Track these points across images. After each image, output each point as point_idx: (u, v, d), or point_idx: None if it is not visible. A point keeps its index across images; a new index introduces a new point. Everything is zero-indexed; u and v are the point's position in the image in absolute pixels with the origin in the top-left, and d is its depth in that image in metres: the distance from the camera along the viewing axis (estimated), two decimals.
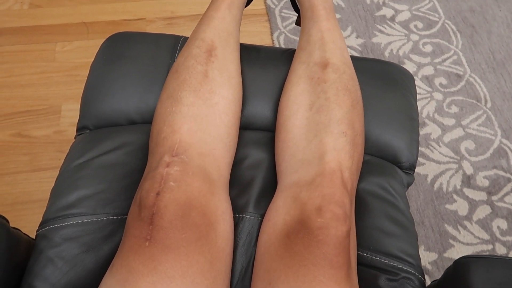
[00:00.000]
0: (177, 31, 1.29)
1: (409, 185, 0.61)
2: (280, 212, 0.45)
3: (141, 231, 0.40)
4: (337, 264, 0.40)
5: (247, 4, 0.68)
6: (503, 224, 0.96)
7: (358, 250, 0.51)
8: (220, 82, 0.51)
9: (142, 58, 0.64)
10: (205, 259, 0.40)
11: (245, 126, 0.61)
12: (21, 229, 0.53)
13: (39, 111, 1.13)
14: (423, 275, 0.51)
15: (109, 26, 1.30)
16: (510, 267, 0.44)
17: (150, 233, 0.39)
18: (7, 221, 0.48)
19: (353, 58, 0.67)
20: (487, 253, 0.93)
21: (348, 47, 1.23)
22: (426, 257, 0.92)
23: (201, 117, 0.48)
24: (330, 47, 0.55)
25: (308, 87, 0.52)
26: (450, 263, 0.93)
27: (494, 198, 0.99)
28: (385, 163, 0.60)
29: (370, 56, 1.22)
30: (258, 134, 0.60)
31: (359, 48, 1.23)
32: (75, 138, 0.63)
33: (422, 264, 0.91)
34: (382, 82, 0.66)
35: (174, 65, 0.54)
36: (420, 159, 1.04)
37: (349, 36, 1.25)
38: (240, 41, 0.70)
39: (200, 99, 0.49)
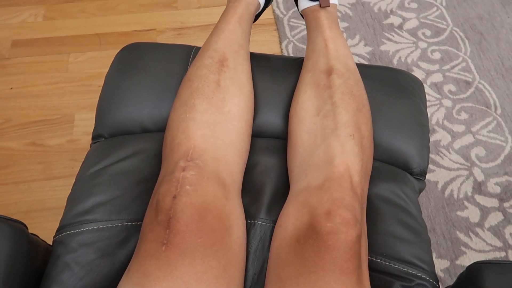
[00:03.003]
0: (187, 41, 1.31)
1: (420, 191, 0.61)
2: (290, 217, 0.46)
3: (157, 235, 0.40)
4: (348, 269, 0.40)
5: (256, 18, 0.70)
6: None
7: (371, 256, 0.51)
8: (232, 91, 0.52)
9: (155, 68, 0.66)
10: (220, 264, 0.41)
11: (257, 134, 0.62)
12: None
13: (53, 121, 1.15)
14: (437, 281, 0.51)
15: (121, 37, 1.32)
16: None
17: (166, 237, 0.40)
18: (26, 227, 0.49)
19: (362, 65, 0.68)
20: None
21: (357, 55, 1.24)
22: (438, 265, 0.91)
23: (214, 124, 0.49)
24: (334, 55, 0.56)
25: (315, 93, 0.53)
26: (462, 271, 0.92)
27: (506, 205, 0.98)
28: (396, 169, 0.60)
29: (379, 64, 1.23)
30: (269, 142, 0.61)
31: (367, 56, 1.24)
32: (90, 146, 0.64)
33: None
34: (392, 89, 0.67)
35: (187, 75, 0.55)
36: (430, 166, 1.04)
37: (357, 44, 1.26)
38: (250, 50, 0.71)
39: (213, 106, 0.50)
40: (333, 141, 0.48)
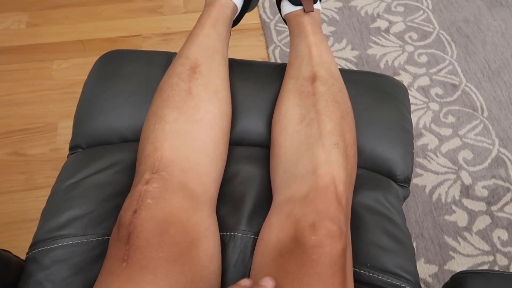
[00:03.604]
0: (173, 46, 1.29)
1: (405, 198, 0.60)
2: (273, 229, 0.45)
3: (118, 252, 0.39)
4: (332, 285, 0.39)
5: (236, 23, 0.69)
6: (504, 235, 0.94)
7: (355, 267, 0.50)
8: (205, 98, 0.51)
9: (135, 76, 0.64)
10: (187, 278, 0.40)
11: (237, 142, 0.61)
12: (16, 248, 0.52)
13: (35, 129, 1.13)
14: None
15: (105, 43, 1.30)
16: (507, 283, 0.43)
17: (127, 253, 0.38)
18: None
19: (346, 71, 0.68)
20: (488, 264, 0.91)
21: (343, 59, 1.24)
22: (426, 270, 0.91)
23: (185, 133, 0.48)
24: (318, 61, 0.55)
25: (298, 101, 0.52)
26: (450, 275, 0.91)
27: (494, 208, 0.98)
28: (379, 176, 0.59)
29: (366, 67, 1.23)
30: (250, 150, 0.60)
31: (355, 60, 1.23)
32: (67, 157, 0.62)
33: (422, 277, 0.90)
34: (376, 95, 0.66)
35: (160, 83, 0.54)
36: (418, 170, 1.04)
37: (344, 48, 1.26)
38: (236, 56, 0.70)
39: (183, 115, 0.49)
40: (317, 150, 0.47)
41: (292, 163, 0.48)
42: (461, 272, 0.46)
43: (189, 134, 0.48)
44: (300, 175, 0.46)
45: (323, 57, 0.56)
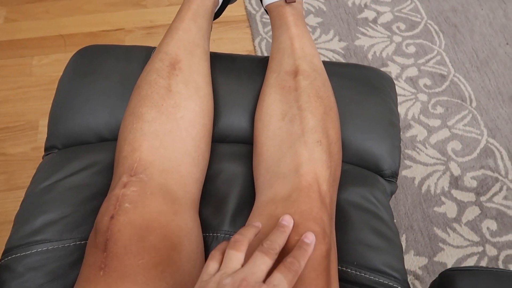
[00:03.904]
0: (157, 40, 1.26)
1: (392, 193, 0.59)
2: None
3: (95, 259, 0.37)
4: (316, 287, 0.37)
5: (218, 15, 0.66)
6: (493, 225, 0.94)
7: (342, 266, 0.49)
8: (185, 95, 0.49)
9: (111, 72, 0.62)
10: (167, 285, 0.38)
11: (220, 139, 0.59)
12: None
13: (16, 128, 1.10)
14: None
15: (87, 38, 1.27)
16: (495, 279, 0.42)
17: (104, 261, 0.36)
18: None
19: (330, 63, 0.66)
20: (478, 255, 0.91)
21: (331, 50, 1.22)
22: (416, 262, 0.90)
23: (164, 133, 0.45)
24: (300, 54, 0.53)
25: (280, 97, 0.50)
26: (440, 268, 0.91)
27: (483, 198, 0.98)
28: (366, 172, 0.58)
29: (353, 59, 1.21)
30: (233, 147, 0.58)
31: (342, 52, 1.21)
32: (43, 158, 0.60)
33: (412, 269, 0.90)
34: (362, 88, 0.64)
35: (138, 81, 0.52)
36: (407, 162, 1.03)
37: (331, 39, 1.24)
38: (222, 49, 0.68)
39: (162, 114, 0.46)
40: (299, 148, 0.45)
41: (274, 162, 0.47)
42: (450, 269, 0.45)
43: (169, 133, 0.46)
44: (282, 174, 0.45)
45: (306, 49, 0.54)
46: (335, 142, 0.48)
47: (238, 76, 0.63)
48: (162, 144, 0.45)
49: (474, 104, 1.12)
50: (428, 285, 0.88)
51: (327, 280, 0.38)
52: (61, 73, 1.19)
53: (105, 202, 0.41)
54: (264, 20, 1.28)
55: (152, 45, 0.70)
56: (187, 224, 0.43)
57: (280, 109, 0.49)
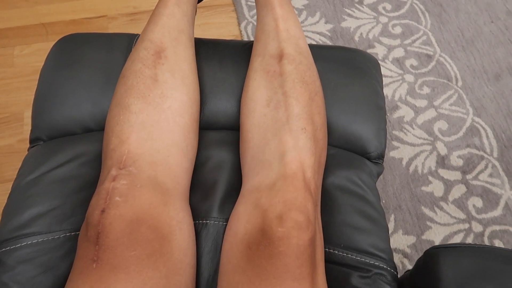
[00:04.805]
0: (140, 27, 1.24)
1: (378, 175, 0.60)
2: (241, 219, 0.43)
3: (88, 252, 0.37)
4: (300, 275, 0.38)
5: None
6: (478, 202, 0.97)
7: (329, 248, 0.50)
8: (172, 84, 0.48)
9: (94, 61, 0.61)
10: (161, 274, 0.38)
11: (206, 126, 0.59)
12: None
13: (0, 120, 1.08)
14: (395, 269, 0.50)
15: (69, 26, 1.24)
16: (478, 256, 0.43)
17: (96, 254, 0.37)
18: None
19: (315, 46, 0.65)
20: (464, 232, 0.93)
21: (317, 33, 1.21)
22: (405, 241, 0.92)
23: (152, 124, 0.45)
24: (285, 36, 0.52)
25: (265, 82, 0.50)
26: (428, 245, 0.93)
27: (469, 177, 1.00)
28: (352, 155, 0.58)
29: (340, 41, 1.21)
30: (221, 134, 0.58)
31: (329, 34, 1.21)
32: (28, 150, 0.59)
33: (401, 248, 0.92)
34: (348, 71, 0.64)
35: (122, 70, 0.51)
36: (394, 143, 1.04)
37: (317, 22, 1.23)
38: (207, 34, 0.66)
39: (149, 105, 0.46)
40: (284, 136, 0.45)
41: (259, 149, 0.47)
42: (434, 247, 0.47)
43: (157, 124, 0.46)
44: (267, 162, 0.45)
45: (291, 31, 0.53)
46: (320, 128, 0.48)
47: (222, 62, 0.63)
48: (150, 136, 0.44)
49: (460, 83, 1.13)
50: None
51: (312, 267, 0.39)
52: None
53: (95, 195, 0.41)
54: (249, 3, 1.26)
55: (136, 32, 0.69)
56: (178, 214, 0.43)
57: (265, 95, 0.49)
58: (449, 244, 0.47)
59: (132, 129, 0.44)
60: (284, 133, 0.45)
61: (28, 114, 1.09)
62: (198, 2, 0.64)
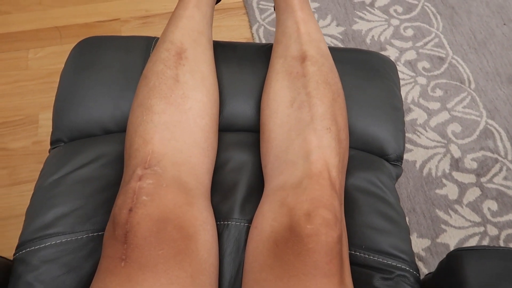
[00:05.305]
0: (153, 30, 1.25)
1: (397, 177, 0.60)
2: (267, 218, 0.44)
3: (115, 251, 0.38)
4: (330, 272, 0.38)
5: (218, 1, 0.66)
6: (493, 205, 0.96)
7: (350, 249, 0.50)
8: (192, 85, 0.49)
9: (113, 64, 0.61)
10: (186, 273, 0.39)
11: (225, 128, 0.59)
12: (4, 245, 0.50)
13: (15, 122, 1.09)
14: (417, 271, 0.50)
15: (82, 29, 1.25)
16: (502, 258, 0.43)
17: (124, 253, 0.37)
18: None
19: (333, 49, 0.66)
20: (479, 235, 0.93)
21: (329, 35, 1.21)
22: (419, 244, 0.92)
23: (174, 124, 0.46)
24: (306, 39, 0.52)
25: (287, 83, 0.50)
26: (443, 249, 0.93)
27: (483, 179, 0.99)
28: (371, 156, 0.58)
29: (352, 44, 1.21)
30: (240, 136, 0.58)
31: (340, 37, 1.21)
32: (49, 152, 0.60)
33: (415, 251, 0.91)
34: (364, 73, 0.64)
35: (144, 71, 0.51)
36: (407, 146, 1.04)
37: (329, 24, 1.23)
38: (219, 37, 0.67)
39: (171, 105, 0.46)
40: (309, 135, 0.46)
41: (283, 149, 0.47)
42: (457, 250, 0.46)
43: (179, 125, 0.46)
44: (291, 161, 0.45)
45: (312, 34, 0.53)
46: (343, 128, 0.48)
47: (240, 64, 0.63)
48: (173, 136, 0.45)
49: (472, 85, 1.13)
50: (435, 266, 0.89)
51: (340, 264, 0.39)
52: (57, 66, 1.18)
53: (121, 195, 0.41)
54: (261, 6, 1.27)
55: (149, 34, 0.69)
56: (201, 214, 0.43)
57: (288, 95, 0.49)
58: (472, 246, 0.46)
59: (155, 129, 0.44)
60: (309, 133, 0.45)
61: (43, 116, 1.10)
62: (216, 3, 0.64)
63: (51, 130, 1.13)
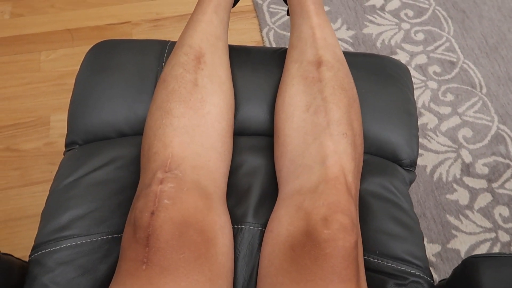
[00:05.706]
0: (164, 33, 1.26)
1: (411, 182, 0.60)
2: (283, 222, 0.44)
3: (137, 254, 0.38)
4: (347, 277, 0.38)
5: (235, 3, 0.66)
6: (505, 211, 0.95)
7: (364, 255, 0.50)
8: (210, 90, 0.49)
9: (128, 67, 0.62)
10: (205, 277, 0.39)
11: (239, 132, 0.59)
12: (17, 246, 0.51)
13: (27, 124, 1.10)
14: (431, 277, 0.50)
15: (94, 32, 1.26)
16: None
17: (146, 256, 0.37)
18: None
19: (346, 53, 0.66)
20: (490, 242, 0.92)
21: (339, 39, 1.21)
22: (430, 249, 0.91)
23: (193, 128, 0.46)
24: (322, 44, 0.53)
25: (303, 87, 0.50)
26: (454, 254, 0.92)
27: (495, 185, 0.98)
28: (385, 161, 0.58)
29: (362, 48, 1.21)
30: (253, 140, 0.58)
31: (351, 40, 1.21)
32: (64, 154, 0.60)
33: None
34: (378, 77, 0.64)
35: (162, 75, 0.52)
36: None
37: (339, 28, 1.23)
38: (229, 40, 0.67)
39: (191, 109, 0.47)
40: (325, 140, 0.46)
41: (298, 153, 0.47)
42: (473, 256, 0.46)
43: (198, 129, 0.47)
44: (307, 166, 0.45)
45: (328, 39, 0.54)
46: (358, 134, 0.48)
47: (254, 68, 0.64)
48: (192, 140, 0.45)
49: (484, 90, 1.12)
50: (446, 272, 0.89)
51: (357, 269, 0.39)
52: (69, 68, 1.20)
53: (142, 198, 0.41)
54: (271, 10, 1.27)
55: (160, 37, 0.70)
56: (220, 219, 0.43)
57: (304, 100, 0.49)
58: (488, 253, 0.46)
59: (175, 132, 0.45)
60: (325, 138, 0.45)
61: (54, 118, 1.11)
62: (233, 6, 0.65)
63: (62, 131, 1.14)
